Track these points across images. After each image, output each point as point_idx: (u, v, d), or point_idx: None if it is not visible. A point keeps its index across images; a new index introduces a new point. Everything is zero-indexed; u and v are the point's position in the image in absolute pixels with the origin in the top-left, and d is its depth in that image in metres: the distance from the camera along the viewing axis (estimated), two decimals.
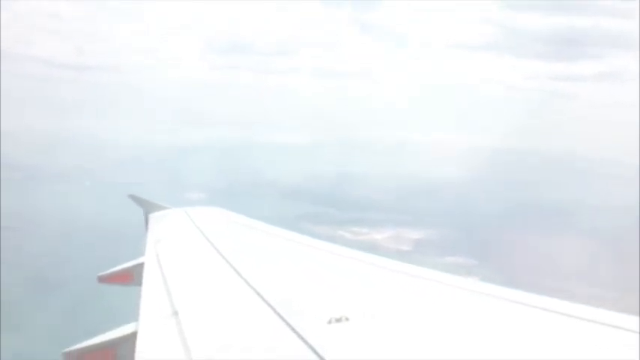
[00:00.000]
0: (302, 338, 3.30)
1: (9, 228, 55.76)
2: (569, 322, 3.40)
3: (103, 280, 7.32)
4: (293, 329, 3.49)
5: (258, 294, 4.42)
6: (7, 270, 45.53)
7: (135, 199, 10.37)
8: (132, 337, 4.12)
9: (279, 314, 3.83)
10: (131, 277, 6.64)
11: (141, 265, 6.26)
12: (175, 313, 4.27)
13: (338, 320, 3.53)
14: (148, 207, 10.16)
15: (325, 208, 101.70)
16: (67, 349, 4.60)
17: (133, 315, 4.47)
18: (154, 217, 9.60)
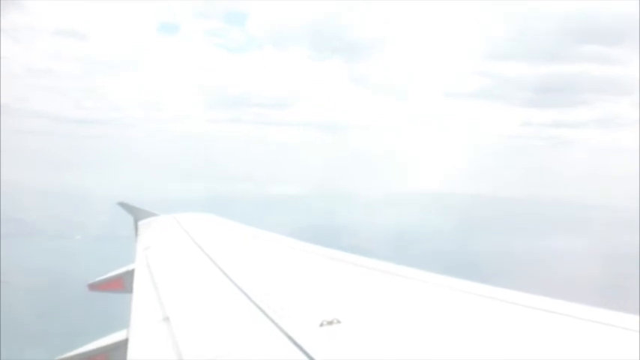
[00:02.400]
0: (294, 341, 3.30)
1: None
2: (562, 321, 3.40)
3: (93, 287, 7.31)
4: (285, 333, 3.49)
5: (249, 298, 4.43)
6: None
7: (124, 206, 10.43)
8: (123, 344, 4.14)
9: (270, 318, 3.84)
10: (122, 284, 6.65)
11: (131, 272, 6.26)
12: (166, 319, 4.28)
13: (330, 323, 3.52)
14: (137, 214, 10.18)
15: None
16: (59, 357, 4.63)
17: (124, 322, 4.53)
18: (143, 223, 9.60)
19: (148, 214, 10.27)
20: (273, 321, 3.76)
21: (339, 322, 3.54)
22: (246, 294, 4.58)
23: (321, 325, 3.51)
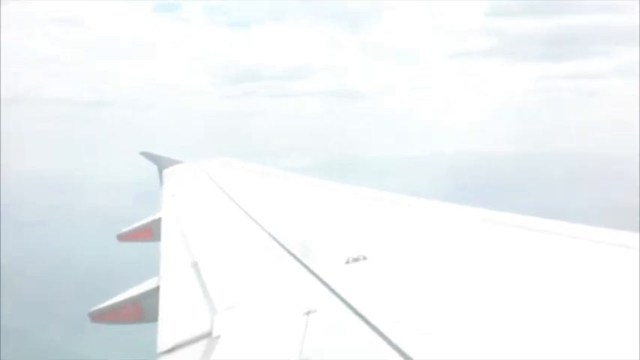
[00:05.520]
0: (320, 279, 3.30)
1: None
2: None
3: (123, 238, 7.37)
4: (311, 271, 3.50)
5: (275, 239, 4.46)
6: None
7: (147, 155, 10.45)
8: (154, 292, 4.19)
9: (296, 257, 3.86)
10: (150, 232, 6.68)
11: (158, 221, 6.30)
12: (195, 264, 4.34)
13: (356, 260, 3.51)
14: (160, 162, 10.20)
15: None
16: (92, 309, 4.69)
17: (154, 270, 4.56)
18: (167, 172, 9.62)
19: (172, 162, 10.30)
20: (299, 260, 3.78)
21: (365, 258, 3.53)
22: (271, 235, 4.61)
23: (347, 262, 3.51)
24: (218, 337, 2.94)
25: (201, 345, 2.94)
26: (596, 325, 2.27)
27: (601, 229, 3.57)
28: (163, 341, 3.16)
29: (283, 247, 4.21)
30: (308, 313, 2.82)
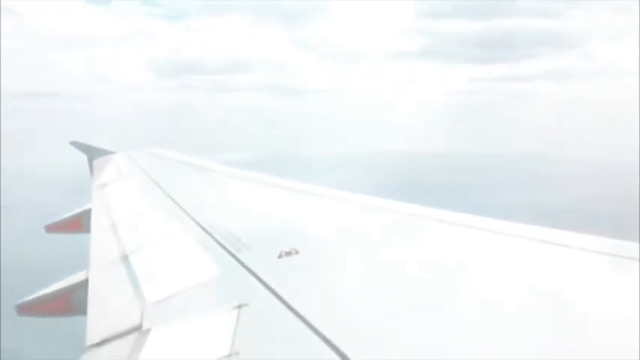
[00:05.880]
0: (252, 273, 3.32)
1: None
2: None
3: (51, 229, 7.22)
4: (243, 264, 3.51)
5: (207, 232, 4.44)
6: None
7: (77, 145, 10.25)
8: (84, 284, 4.13)
9: (228, 250, 3.86)
10: (80, 224, 6.56)
11: (88, 212, 6.19)
12: (125, 257, 4.30)
13: (288, 254, 3.53)
14: (91, 153, 10.01)
15: None
16: (20, 301, 4.60)
17: (84, 262, 4.49)
18: (98, 162, 9.46)
19: (103, 153, 10.11)
20: (231, 254, 3.78)
21: (297, 252, 3.55)
22: (203, 228, 4.59)
23: (280, 256, 3.53)
24: (148, 330, 2.93)
25: (131, 338, 2.91)
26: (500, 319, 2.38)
27: (521, 225, 3.64)
28: (92, 335, 3.12)
29: (215, 240, 4.19)
30: (239, 306, 2.83)
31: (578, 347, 2.05)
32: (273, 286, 3.03)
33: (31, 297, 4.62)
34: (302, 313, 2.58)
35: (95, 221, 5.70)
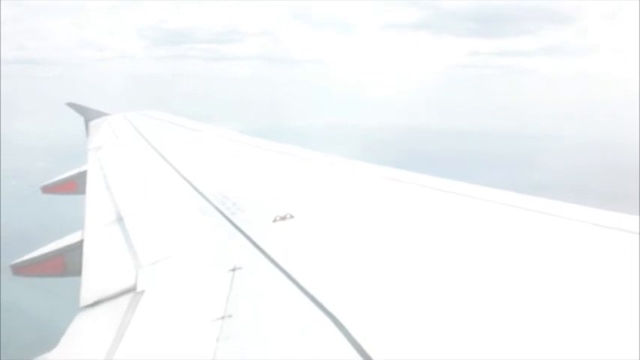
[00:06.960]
0: (247, 237, 3.31)
1: None
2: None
3: (47, 190, 7.22)
4: (238, 228, 3.50)
5: (202, 195, 4.44)
6: None
7: (73, 106, 10.21)
8: (78, 245, 4.12)
9: (223, 214, 3.85)
10: (75, 185, 6.56)
11: (84, 173, 6.18)
12: (120, 218, 4.29)
13: (283, 218, 3.52)
14: (87, 114, 9.96)
15: None
16: (14, 261, 4.59)
17: (79, 223, 4.48)
18: (94, 124, 9.42)
19: (98, 114, 10.05)
20: (227, 217, 3.77)
21: (292, 217, 3.55)
22: (199, 191, 4.58)
23: (275, 220, 3.52)
24: (142, 292, 2.93)
25: (125, 300, 2.91)
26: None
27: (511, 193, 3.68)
28: (86, 295, 3.13)
29: (211, 203, 4.19)
30: (234, 269, 2.84)
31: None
32: (267, 250, 3.03)
33: (25, 257, 4.61)
34: (295, 276, 2.59)
35: (90, 183, 5.68)
